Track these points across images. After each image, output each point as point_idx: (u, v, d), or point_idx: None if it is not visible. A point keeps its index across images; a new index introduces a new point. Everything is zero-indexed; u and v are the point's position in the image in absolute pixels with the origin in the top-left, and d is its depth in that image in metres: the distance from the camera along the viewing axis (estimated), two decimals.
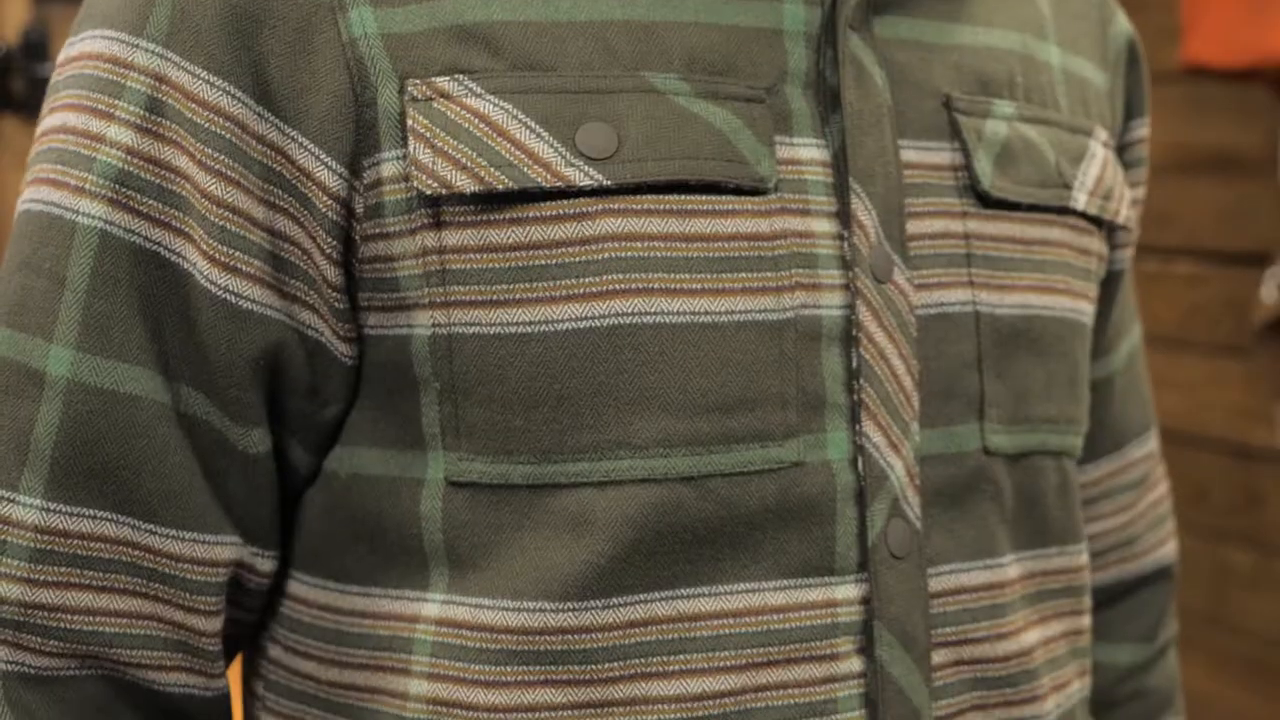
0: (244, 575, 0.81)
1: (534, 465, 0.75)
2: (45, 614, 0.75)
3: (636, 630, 0.76)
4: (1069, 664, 0.88)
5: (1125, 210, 0.92)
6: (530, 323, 0.74)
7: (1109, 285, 0.98)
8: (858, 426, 0.78)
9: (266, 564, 0.82)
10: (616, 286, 0.74)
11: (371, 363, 0.78)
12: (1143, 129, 0.99)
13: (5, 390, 0.76)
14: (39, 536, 0.75)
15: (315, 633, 0.82)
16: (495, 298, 0.75)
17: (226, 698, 0.82)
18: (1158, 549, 1.05)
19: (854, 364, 0.78)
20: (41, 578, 0.75)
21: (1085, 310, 0.88)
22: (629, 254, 0.74)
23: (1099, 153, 0.90)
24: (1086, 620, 0.90)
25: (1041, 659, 0.85)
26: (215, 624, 0.80)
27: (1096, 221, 0.90)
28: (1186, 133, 2.33)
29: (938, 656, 0.80)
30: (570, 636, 0.75)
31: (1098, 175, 0.89)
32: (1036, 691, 0.84)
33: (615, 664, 0.76)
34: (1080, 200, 0.87)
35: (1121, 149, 0.98)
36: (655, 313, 0.74)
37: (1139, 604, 1.05)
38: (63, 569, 0.75)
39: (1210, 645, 2.33)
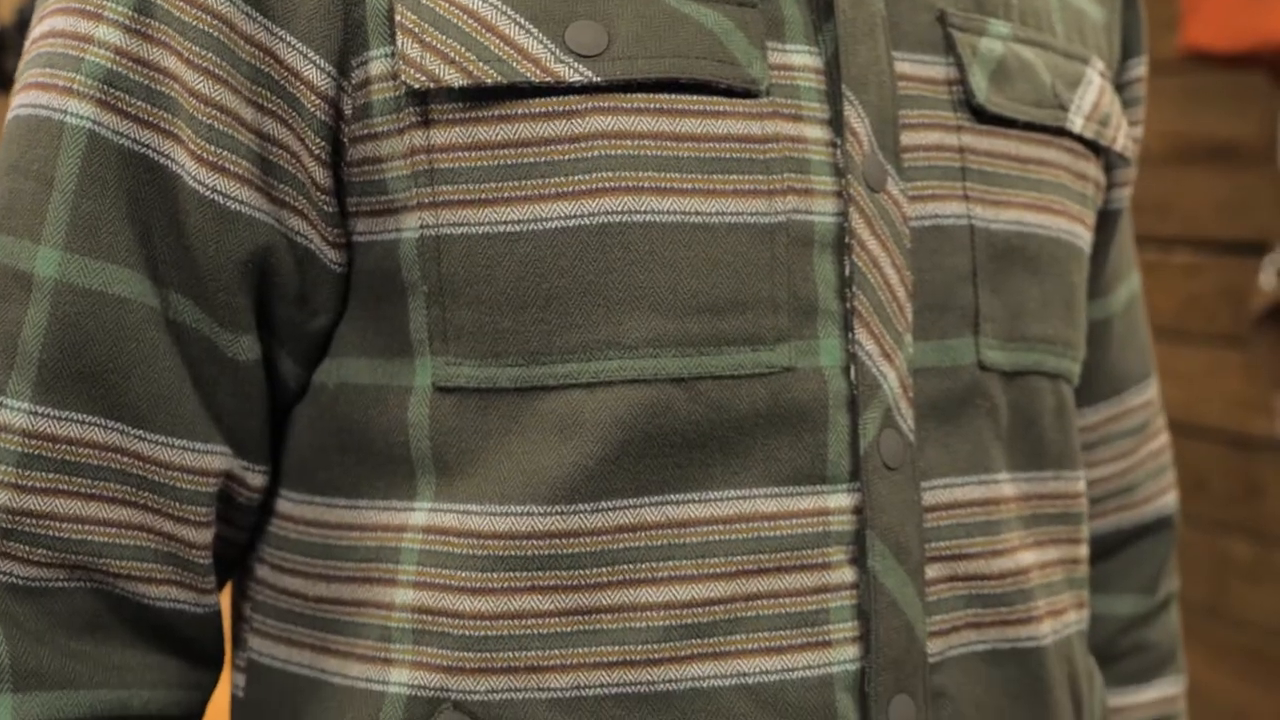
0: (234, 489, 0.80)
1: (522, 368, 0.75)
2: (33, 521, 0.74)
3: (625, 536, 0.75)
4: (1065, 592, 0.87)
5: (1123, 140, 0.92)
6: (519, 221, 0.74)
7: (1106, 224, 0.97)
8: (850, 334, 0.77)
9: (257, 479, 0.81)
10: (606, 185, 0.73)
11: (360, 270, 0.78)
12: (1140, 68, 0.99)
13: None
14: (26, 441, 0.74)
15: (302, 548, 0.81)
16: (483, 196, 0.74)
17: (217, 616, 0.81)
18: (1158, 498, 1.04)
19: (846, 271, 0.77)
20: (29, 484, 0.74)
21: (1082, 235, 0.87)
22: (619, 152, 0.74)
23: (1095, 80, 0.90)
24: (1083, 550, 0.89)
25: (1037, 581, 0.84)
26: (205, 535, 0.79)
27: (1094, 147, 0.89)
28: (1184, 122, 2.32)
29: (932, 571, 0.79)
30: (558, 541, 0.74)
31: (1094, 101, 0.89)
32: (1032, 613, 0.83)
33: (603, 570, 0.75)
34: (1077, 123, 0.87)
35: (1120, 87, 0.98)
36: (645, 211, 0.74)
37: (1139, 554, 1.04)
38: (51, 475, 0.74)
39: (1210, 637, 2.32)
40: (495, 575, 0.75)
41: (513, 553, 0.75)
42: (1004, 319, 0.82)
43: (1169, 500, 1.04)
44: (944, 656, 0.79)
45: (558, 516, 0.74)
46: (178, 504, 0.77)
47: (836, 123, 0.78)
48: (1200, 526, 2.33)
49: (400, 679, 0.76)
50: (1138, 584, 1.03)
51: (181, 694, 0.80)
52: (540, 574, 0.75)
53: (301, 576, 0.81)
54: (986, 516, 0.81)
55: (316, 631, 0.80)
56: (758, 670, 0.75)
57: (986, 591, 0.81)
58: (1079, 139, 0.88)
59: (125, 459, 0.76)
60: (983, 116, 0.83)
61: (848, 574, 0.77)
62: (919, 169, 0.80)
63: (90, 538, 0.75)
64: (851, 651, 0.77)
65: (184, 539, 0.78)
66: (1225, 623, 2.30)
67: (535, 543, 0.75)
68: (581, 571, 0.75)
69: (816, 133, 0.77)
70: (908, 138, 0.80)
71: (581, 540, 0.75)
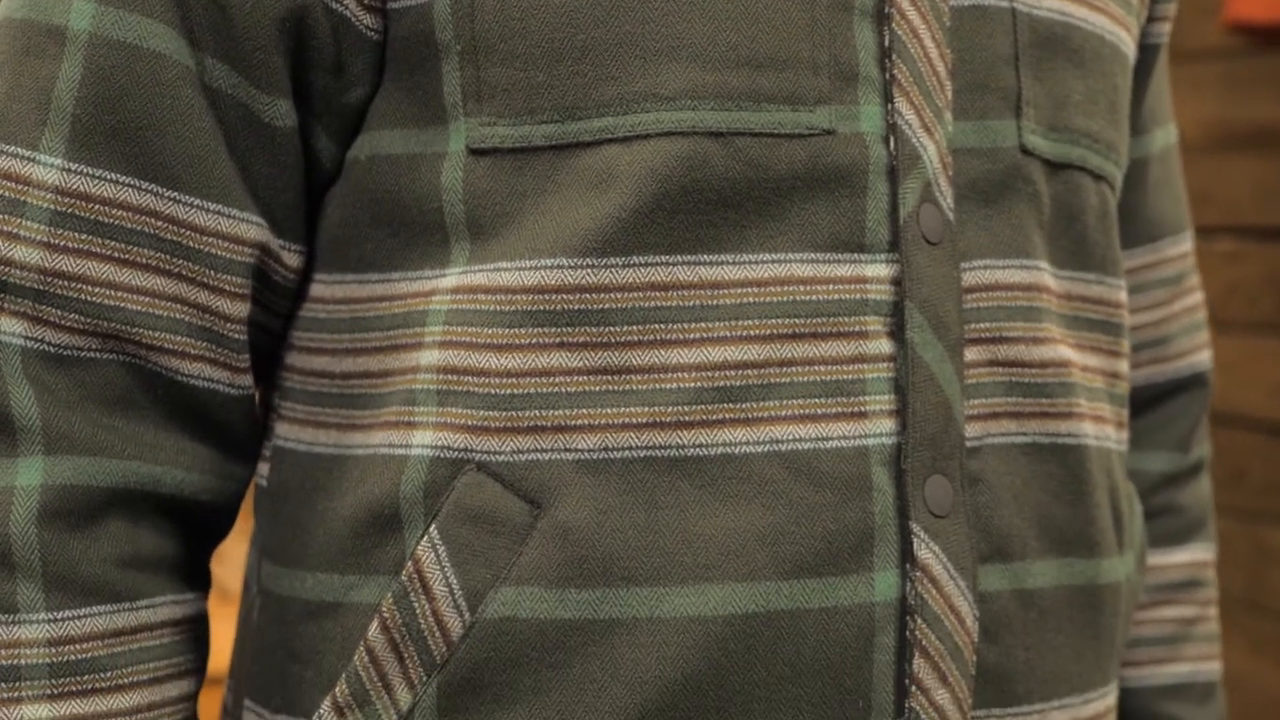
0: (270, 266, 0.79)
1: (557, 124, 0.73)
2: (65, 283, 0.73)
3: (657, 294, 0.73)
4: (1107, 405, 0.85)
5: None
6: None
7: (1145, 59, 0.96)
8: (890, 104, 0.76)
9: (293, 258, 0.79)
10: None
11: (395, 38, 0.77)
12: None
13: (26, 50, 0.74)
14: (59, 198, 0.73)
15: (331, 326, 0.80)
16: None
17: (251, 401, 0.80)
18: (1192, 354, 1.02)
19: (886, 41, 0.76)
20: (62, 243, 0.73)
21: (1125, 41, 0.86)
22: None
23: None
24: (1124, 366, 0.87)
25: (1079, 379, 0.82)
26: (241, 309, 0.77)
27: None
28: (1224, 109, 2.31)
29: (971, 354, 0.77)
30: (588, 296, 0.73)
31: None
32: (1074, 408, 0.81)
33: (634, 328, 0.73)
34: None
35: None
36: None
37: (1172, 411, 1.02)
38: (84, 236, 0.73)
39: (1249, 626, 2.28)
40: (523, 331, 0.73)
41: (542, 308, 0.73)
42: (1047, 106, 0.80)
43: (1203, 358, 1.02)
44: (982, 443, 0.77)
45: (589, 270, 0.73)
46: (212, 272, 0.76)
47: None
48: (1239, 517, 2.30)
49: (423, 441, 0.74)
50: (1171, 441, 1.01)
51: (214, 481, 0.78)
52: (569, 330, 0.73)
53: (329, 354, 0.79)
54: (1028, 302, 0.79)
55: (342, 410, 0.79)
56: (791, 437, 0.74)
57: (1027, 380, 0.79)
58: None
59: (159, 223, 0.74)
60: None
61: (885, 345, 0.75)
62: None
63: (123, 305, 0.74)
64: (888, 425, 0.75)
65: (219, 311, 0.76)
66: (1265, 613, 2.26)
67: (565, 297, 0.73)
68: (611, 329, 0.73)
69: None
70: None
71: (612, 295, 0.73)
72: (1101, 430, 0.84)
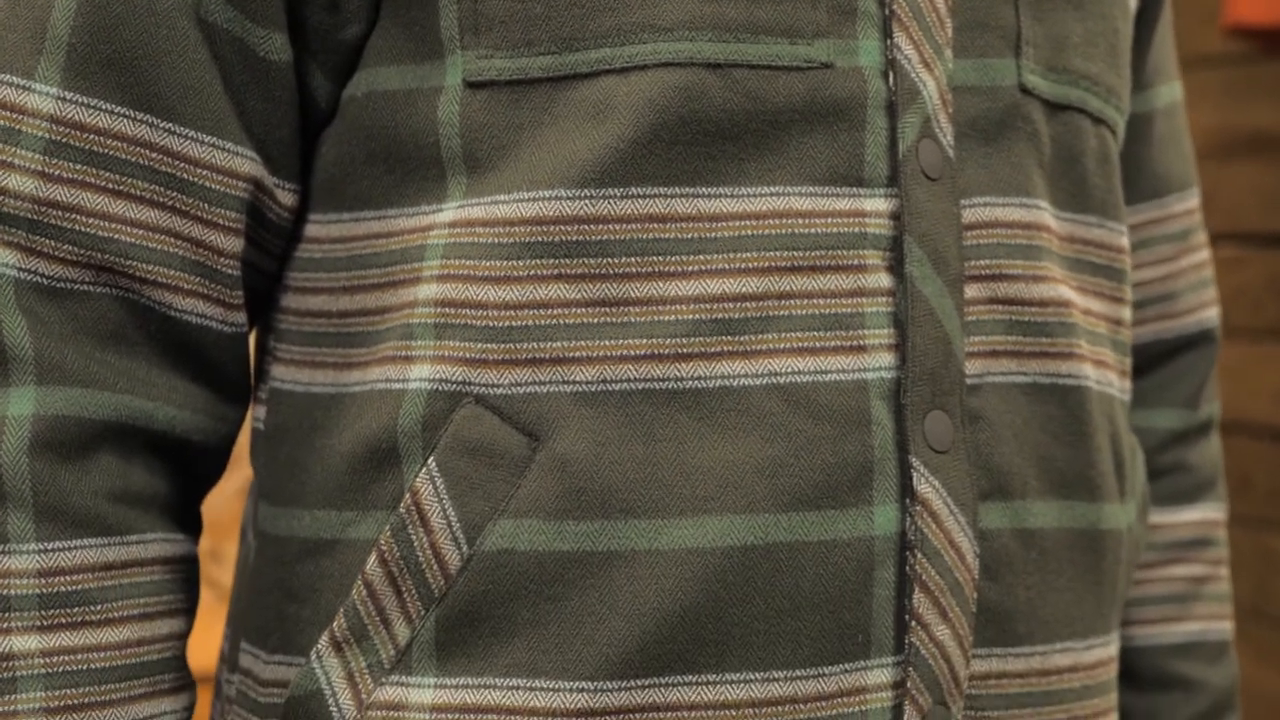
0: (264, 203, 0.78)
1: (554, 55, 0.73)
2: (59, 213, 0.73)
3: (655, 226, 0.73)
4: (1110, 350, 0.84)
5: None
6: None
7: (1149, 11, 0.95)
8: (890, 39, 0.76)
9: (287, 197, 0.79)
10: None
11: None
12: None
13: None
14: (54, 127, 0.73)
15: (327, 265, 0.79)
16: None
17: (244, 340, 0.79)
18: (1200, 310, 1.01)
19: None
20: (56, 172, 0.73)
21: None
22: None
23: None
24: (1126, 313, 0.86)
25: (1080, 320, 0.81)
26: (235, 244, 0.77)
27: None
28: (1226, 116, 2.31)
29: (971, 291, 0.77)
30: (586, 227, 0.73)
31: None
32: (1074, 349, 0.80)
33: (632, 259, 0.73)
34: None
35: None
36: None
37: (1180, 368, 1.01)
38: (78, 166, 0.73)
39: (1255, 635, 2.26)
40: (521, 263, 0.73)
41: (539, 239, 0.73)
42: (1046, 46, 0.80)
43: (1211, 314, 1.02)
44: (982, 381, 0.77)
45: (586, 201, 0.73)
46: (206, 205, 0.76)
47: None
48: (1245, 524, 2.28)
49: (421, 375, 0.74)
50: (1179, 398, 1.00)
51: (205, 421, 0.78)
52: (567, 261, 0.73)
53: (326, 294, 0.79)
54: (1028, 240, 0.79)
55: (339, 349, 0.78)
56: (790, 370, 0.73)
57: (1027, 319, 0.78)
58: None
59: (154, 154, 0.74)
60: None
61: (884, 279, 0.75)
62: None
63: (117, 237, 0.74)
64: (887, 359, 0.74)
65: (212, 246, 0.76)
66: (1271, 621, 2.25)
67: (563, 228, 0.73)
68: (609, 260, 0.73)
69: None
70: None
71: (610, 227, 0.73)
72: (1104, 375, 0.83)
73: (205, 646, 2.26)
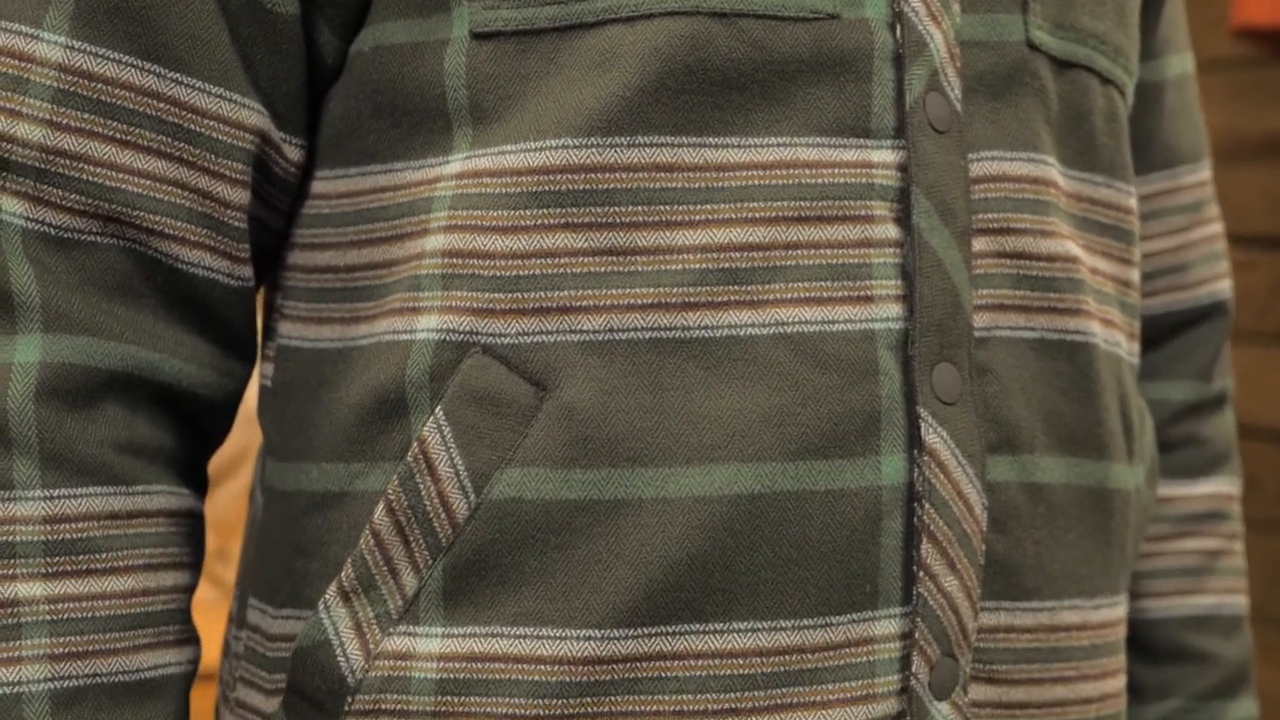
0: (270, 157, 0.78)
1: (560, 4, 0.74)
2: (67, 163, 0.73)
3: (661, 175, 0.73)
4: (1117, 311, 0.84)
5: None
6: None
7: None
8: None
9: (293, 151, 0.79)
10: None
11: None
12: None
13: None
14: (62, 76, 0.73)
15: (335, 220, 0.79)
16: None
17: (251, 295, 0.79)
18: (1212, 282, 1.01)
19: None
20: (64, 121, 0.73)
21: None
22: None
23: None
24: (1135, 275, 0.86)
25: (1088, 277, 0.81)
26: (241, 196, 0.77)
27: None
28: (1232, 119, 2.31)
29: (979, 244, 0.77)
30: (593, 175, 0.73)
31: None
32: (1082, 305, 0.80)
33: (639, 209, 0.73)
34: None
35: None
36: None
37: (1193, 340, 1.01)
38: (86, 115, 0.73)
39: (1264, 639, 2.25)
40: (528, 212, 0.73)
41: (546, 188, 0.73)
42: (1054, 4, 0.80)
43: (1224, 286, 1.01)
44: (990, 334, 0.77)
45: (593, 149, 0.73)
46: (213, 157, 0.76)
47: None
48: (1252, 528, 2.28)
49: (428, 325, 0.74)
50: (1192, 370, 1.00)
51: (211, 375, 0.78)
52: (574, 210, 0.73)
53: (333, 249, 0.79)
54: (1035, 195, 0.79)
55: (347, 304, 0.79)
56: (797, 320, 0.73)
57: (1035, 273, 0.78)
58: None
59: (161, 104, 0.74)
60: None
61: (892, 230, 0.75)
62: None
63: (124, 187, 0.74)
64: (895, 310, 0.74)
65: (219, 197, 0.76)
66: (1278, 624, 2.24)
67: (570, 176, 0.73)
68: (616, 209, 0.73)
69: None
70: None
71: (617, 175, 0.73)
72: (1111, 335, 0.83)
73: (208, 645, 2.26)
